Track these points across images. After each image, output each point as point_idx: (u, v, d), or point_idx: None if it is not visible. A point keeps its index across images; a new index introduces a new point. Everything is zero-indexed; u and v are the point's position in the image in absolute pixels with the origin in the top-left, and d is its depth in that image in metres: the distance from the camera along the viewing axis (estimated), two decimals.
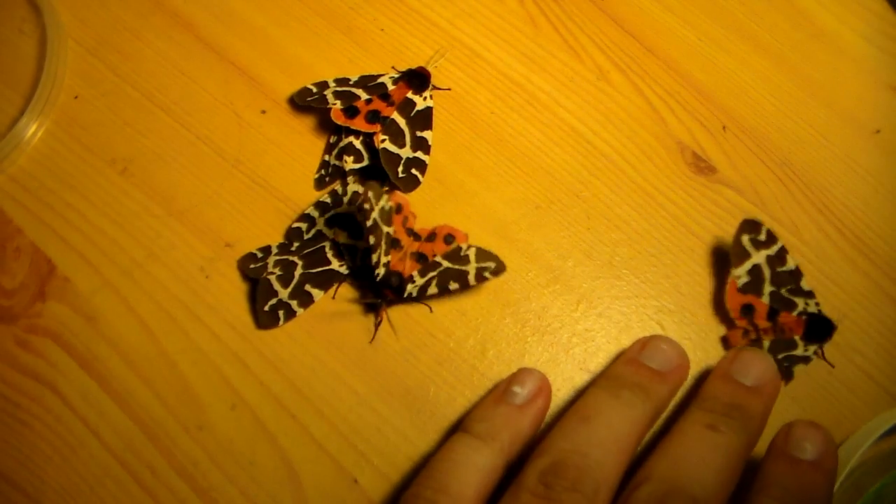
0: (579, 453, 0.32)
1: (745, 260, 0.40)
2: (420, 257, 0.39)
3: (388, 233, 0.38)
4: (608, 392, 0.34)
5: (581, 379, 0.39)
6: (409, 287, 0.38)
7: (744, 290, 0.40)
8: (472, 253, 0.38)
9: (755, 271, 0.40)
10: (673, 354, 0.36)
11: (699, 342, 0.40)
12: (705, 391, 0.35)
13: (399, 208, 0.39)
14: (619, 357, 0.37)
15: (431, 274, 0.38)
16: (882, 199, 0.44)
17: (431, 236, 0.39)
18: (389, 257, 0.38)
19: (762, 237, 0.40)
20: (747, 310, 0.40)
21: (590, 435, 0.32)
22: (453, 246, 0.39)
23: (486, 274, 0.37)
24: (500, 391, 0.36)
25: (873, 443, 0.37)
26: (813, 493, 0.32)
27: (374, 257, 0.37)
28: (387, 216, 0.38)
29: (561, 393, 0.39)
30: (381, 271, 0.38)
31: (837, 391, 0.40)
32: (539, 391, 0.35)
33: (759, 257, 0.40)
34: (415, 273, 0.38)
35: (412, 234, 0.39)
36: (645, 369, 0.35)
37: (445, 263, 0.38)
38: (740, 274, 0.40)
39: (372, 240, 0.37)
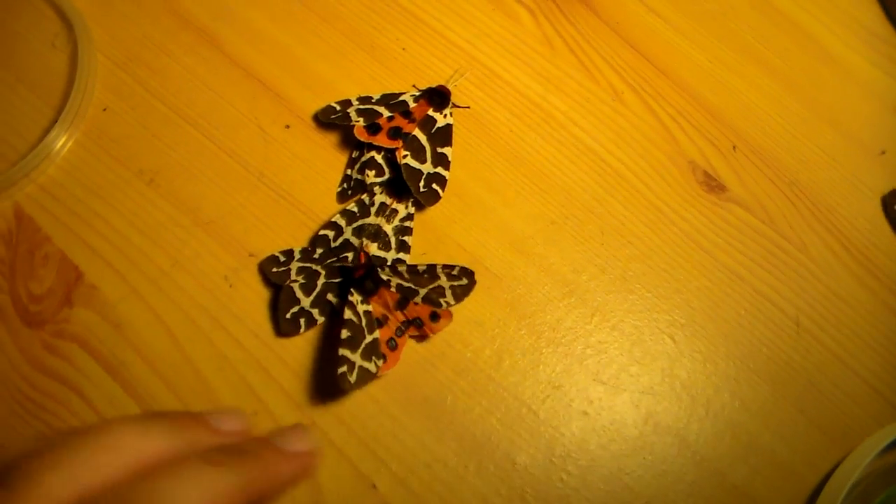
0: None
1: None
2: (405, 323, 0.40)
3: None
4: (141, 418, 0.31)
5: (594, 389, 0.40)
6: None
7: None
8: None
9: None
10: (232, 418, 0.33)
11: (709, 355, 0.41)
12: None
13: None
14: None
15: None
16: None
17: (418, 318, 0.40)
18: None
19: None
20: None
21: None
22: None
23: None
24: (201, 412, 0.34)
25: (878, 454, 0.38)
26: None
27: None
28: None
29: (575, 403, 0.40)
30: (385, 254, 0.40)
31: (843, 404, 0.41)
32: None
33: None
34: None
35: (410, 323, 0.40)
36: (195, 417, 0.33)
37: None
38: None
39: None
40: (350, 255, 0.41)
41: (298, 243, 0.42)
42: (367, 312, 0.38)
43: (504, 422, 0.39)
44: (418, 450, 0.38)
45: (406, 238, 0.41)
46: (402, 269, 0.40)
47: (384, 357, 0.38)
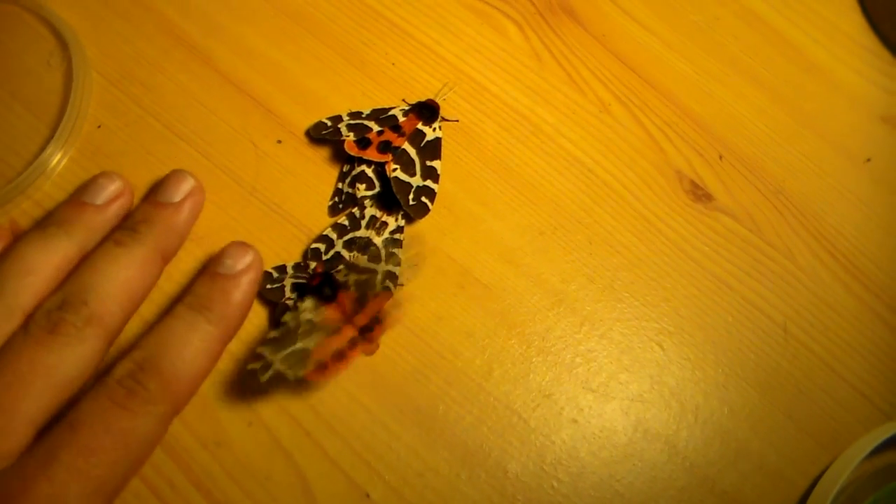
0: None
1: None
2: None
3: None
4: (39, 229, 0.37)
5: (584, 397, 0.41)
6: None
7: None
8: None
9: None
10: (107, 184, 0.40)
11: (698, 362, 0.42)
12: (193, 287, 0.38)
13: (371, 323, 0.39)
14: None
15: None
16: (874, 225, 0.45)
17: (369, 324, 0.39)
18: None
19: None
20: None
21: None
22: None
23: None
24: (77, 192, 0.40)
25: (866, 458, 0.38)
26: (222, 297, 0.37)
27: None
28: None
29: (565, 412, 0.40)
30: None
31: (832, 409, 0.41)
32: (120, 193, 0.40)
33: None
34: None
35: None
36: (79, 205, 0.39)
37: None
38: None
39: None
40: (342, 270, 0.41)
41: (291, 257, 0.42)
42: (308, 321, 0.38)
43: (495, 430, 0.40)
44: (411, 459, 0.39)
45: (396, 250, 0.42)
46: (353, 255, 0.41)
47: (325, 367, 0.37)
